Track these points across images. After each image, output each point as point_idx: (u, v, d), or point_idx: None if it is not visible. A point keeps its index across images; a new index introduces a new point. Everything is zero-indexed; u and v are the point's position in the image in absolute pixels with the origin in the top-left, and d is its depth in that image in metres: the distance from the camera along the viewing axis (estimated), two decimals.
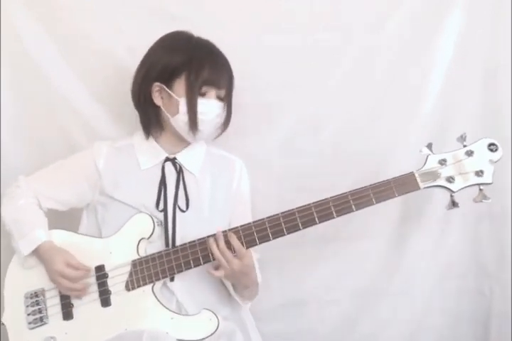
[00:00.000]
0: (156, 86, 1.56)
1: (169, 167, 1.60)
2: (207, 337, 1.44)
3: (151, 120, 1.61)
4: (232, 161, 1.69)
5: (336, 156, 1.88)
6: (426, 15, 1.81)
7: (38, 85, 1.85)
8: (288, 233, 1.45)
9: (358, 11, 1.82)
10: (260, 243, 1.46)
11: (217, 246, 1.44)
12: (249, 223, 1.47)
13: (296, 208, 1.45)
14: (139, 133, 1.64)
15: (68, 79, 1.85)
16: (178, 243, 1.52)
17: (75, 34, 1.83)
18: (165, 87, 1.55)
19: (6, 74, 1.85)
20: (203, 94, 1.54)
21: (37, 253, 1.53)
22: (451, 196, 1.42)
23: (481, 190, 1.41)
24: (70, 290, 1.51)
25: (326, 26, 1.82)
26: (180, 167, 1.60)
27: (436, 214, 1.87)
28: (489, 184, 1.40)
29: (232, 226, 1.49)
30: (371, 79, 1.85)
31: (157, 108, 1.58)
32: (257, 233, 1.45)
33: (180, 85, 1.53)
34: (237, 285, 1.56)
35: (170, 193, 1.57)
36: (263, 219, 1.46)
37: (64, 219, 1.66)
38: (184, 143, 1.62)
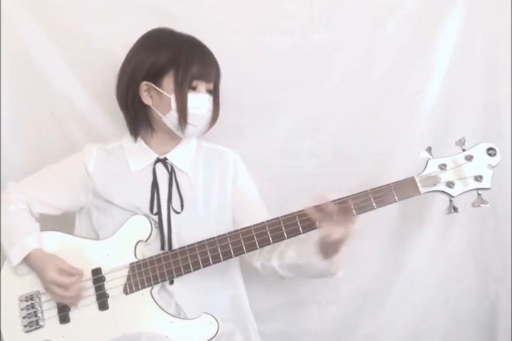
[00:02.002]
0: (144, 85, 1.53)
1: (160, 168, 1.58)
2: None
3: (141, 121, 1.58)
4: (224, 153, 1.66)
5: (336, 157, 1.88)
6: (426, 16, 1.81)
7: (37, 85, 1.85)
8: (288, 237, 1.45)
9: (358, 11, 1.82)
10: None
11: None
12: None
13: (297, 212, 1.45)
14: (128, 135, 1.62)
15: (68, 79, 1.84)
16: (174, 245, 1.52)
17: (75, 34, 1.83)
18: (153, 85, 1.52)
19: (5, 74, 1.84)
20: (194, 88, 1.52)
21: (27, 260, 1.52)
22: (451, 201, 1.42)
23: (479, 194, 1.41)
24: (64, 298, 1.49)
25: (325, 26, 1.82)
26: (172, 167, 1.58)
27: (439, 215, 1.85)
28: (488, 189, 1.41)
29: (246, 217, 1.52)
30: (371, 79, 1.84)
31: (146, 108, 1.56)
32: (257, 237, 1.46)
33: (169, 82, 1.50)
34: (329, 254, 1.47)
35: (163, 195, 1.56)
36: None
37: (57, 222, 1.65)
38: (175, 141, 1.60)
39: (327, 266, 1.50)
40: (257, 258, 1.61)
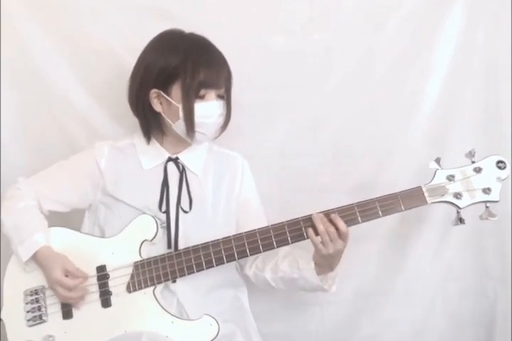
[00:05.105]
0: (154, 92, 1.53)
1: (172, 167, 1.59)
2: None
3: (152, 126, 1.59)
4: (233, 159, 1.67)
5: (336, 157, 1.88)
6: (426, 16, 1.80)
7: (37, 85, 1.85)
8: (292, 242, 1.45)
9: (358, 11, 1.82)
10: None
11: (323, 224, 1.41)
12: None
13: (301, 217, 1.45)
14: (140, 134, 1.62)
15: (68, 79, 1.85)
16: (180, 245, 1.52)
17: (75, 34, 1.83)
18: (163, 93, 1.52)
19: (5, 74, 1.85)
20: (202, 97, 1.51)
21: (35, 257, 1.52)
22: (458, 212, 1.43)
23: (487, 207, 1.42)
24: (66, 298, 1.49)
25: (325, 26, 1.82)
26: (183, 167, 1.59)
27: (438, 215, 1.86)
28: (496, 202, 1.41)
29: (247, 224, 1.52)
30: (371, 79, 1.84)
31: (157, 114, 1.56)
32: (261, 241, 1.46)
33: (178, 91, 1.50)
34: (324, 268, 1.49)
35: (172, 194, 1.56)
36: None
37: (65, 220, 1.65)
38: (186, 143, 1.60)
39: (321, 281, 1.50)
40: (249, 266, 1.62)
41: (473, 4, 1.79)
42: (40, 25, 1.83)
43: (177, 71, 1.49)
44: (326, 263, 1.48)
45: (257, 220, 1.56)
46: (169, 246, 1.52)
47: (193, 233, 1.53)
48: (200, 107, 1.50)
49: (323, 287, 1.51)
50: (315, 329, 1.96)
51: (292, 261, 1.53)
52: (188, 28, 1.59)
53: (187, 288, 1.52)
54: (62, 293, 1.48)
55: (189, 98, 1.49)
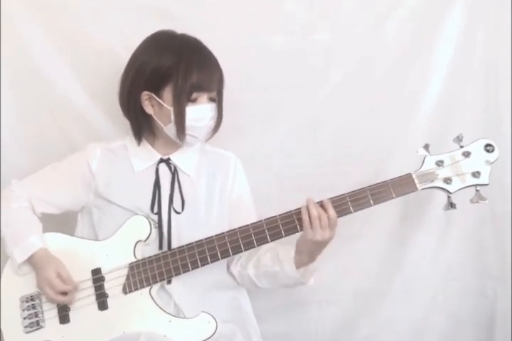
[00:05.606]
0: (146, 95, 1.52)
1: (163, 168, 1.59)
2: (205, 340, 1.44)
3: (143, 128, 1.58)
4: (226, 158, 1.66)
5: (336, 156, 1.88)
6: (426, 16, 1.80)
7: (37, 85, 1.85)
8: (286, 235, 1.45)
9: (358, 11, 1.82)
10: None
11: (316, 208, 1.40)
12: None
13: (294, 210, 1.45)
14: (132, 136, 1.61)
15: (68, 79, 1.85)
16: (174, 245, 1.52)
17: (75, 34, 1.83)
18: (154, 95, 1.51)
19: (6, 74, 1.85)
20: (194, 100, 1.50)
21: (31, 259, 1.52)
22: (449, 197, 1.42)
23: (477, 190, 1.42)
24: (53, 301, 1.50)
25: (325, 26, 1.82)
26: (175, 168, 1.59)
27: (438, 214, 1.86)
28: (486, 185, 1.41)
29: (237, 223, 1.50)
30: (371, 79, 1.84)
31: (148, 116, 1.55)
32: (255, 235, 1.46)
33: (169, 93, 1.49)
34: (304, 257, 1.47)
35: (164, 195, 1.56)
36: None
37: (60, 222, 1.66)
38: (178, 144, 1.59)
39: (299, 274, 1.50)
40: (234, 265, 1.62)
41: (473, 4, 1.79)
42: (40, 25, 1.83)
43: (170, 72, 1.48)
44: (307, 249, 1.46)
45: (248, 219, 1.54)
46: (161, 247, 1.52)
47: (186, 233, 1.53)
48: (191, 111, 1.49)
49: (301, 280, 1.51)
50: (314, 329, 1.96)
51: (274, 254, 1.53)
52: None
53: (183, 289, 1.52)
54: (49, 295, 1.49)
55: (180, 102, 1.48)
